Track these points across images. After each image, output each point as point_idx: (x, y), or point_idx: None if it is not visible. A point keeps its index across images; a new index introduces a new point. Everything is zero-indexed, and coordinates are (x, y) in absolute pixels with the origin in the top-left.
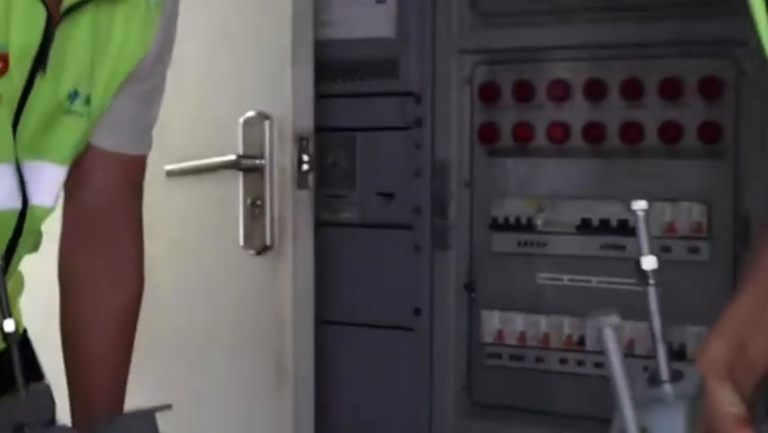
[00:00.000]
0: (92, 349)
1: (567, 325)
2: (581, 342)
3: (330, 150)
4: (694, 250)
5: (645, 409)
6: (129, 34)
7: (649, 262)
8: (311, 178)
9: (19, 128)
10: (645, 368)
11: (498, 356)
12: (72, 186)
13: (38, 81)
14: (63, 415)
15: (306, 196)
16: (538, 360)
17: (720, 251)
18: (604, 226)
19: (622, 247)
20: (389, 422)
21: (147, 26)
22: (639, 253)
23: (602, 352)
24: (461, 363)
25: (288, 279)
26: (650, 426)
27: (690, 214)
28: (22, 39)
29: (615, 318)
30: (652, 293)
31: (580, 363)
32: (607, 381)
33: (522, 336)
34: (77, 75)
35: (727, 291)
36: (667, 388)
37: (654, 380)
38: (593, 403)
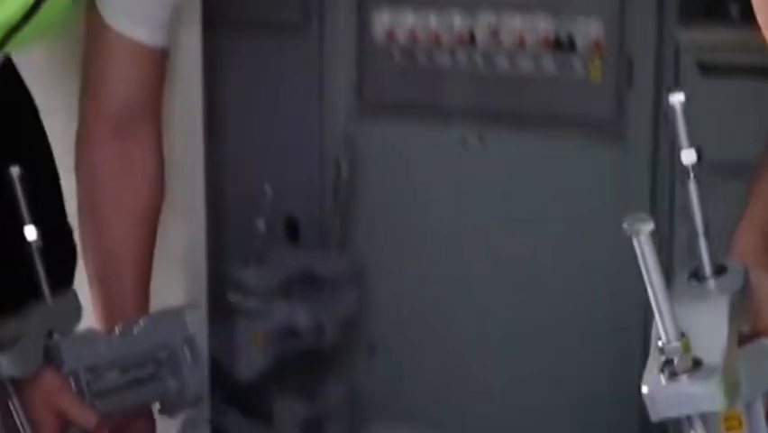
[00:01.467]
0: (112, 246)
1: (458, 20)
2: (472, 37)
3: None
4: None
5: (688, 306)
6: None
7: (688, 156)
8: None
9: None
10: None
11: (390, 55)
12: (91, 78)
13: None
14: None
15: None
16: (429, 57)
17: None
18: None
19: None
20: (281, 129)
21: None
22: (679, 147)
23: (492, 48)
24: (351, 63)
25: None
26: (692, 323)
27: None
28: None
29: (650, 225)
30: (692, 187)
31: (471, 59)
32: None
33: (413, 33)
34: None
35: None
36: (711, 284)
37: (697, 275)
38: (480, 97)
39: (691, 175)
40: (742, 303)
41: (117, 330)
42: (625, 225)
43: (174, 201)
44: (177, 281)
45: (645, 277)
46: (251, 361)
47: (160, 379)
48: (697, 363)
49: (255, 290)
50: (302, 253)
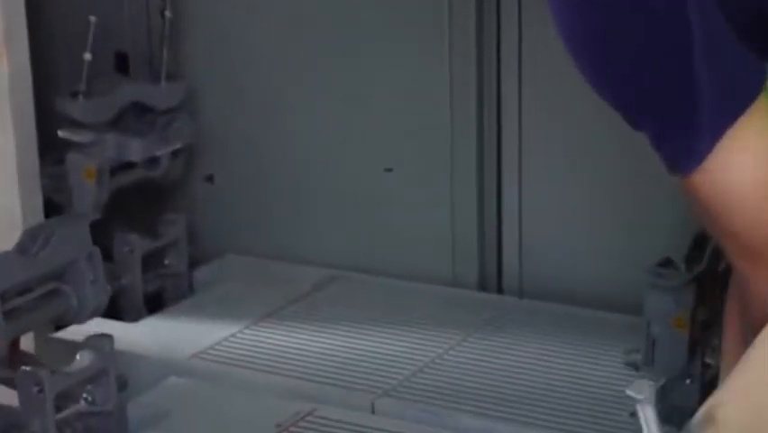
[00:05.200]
0: None
1: None
2: None
3: None
4: None
5: None
6: None
7: None
8: None
9: None
10: None
11: None
12: None
13: None
14: None
15: None
16: None
17: None
18: None
19: None
20: None
21: None
22: None
23: None
24: None
25: None
26: None
27: None
28: None
29: (652, 390)
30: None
31: None
32: None
33: None
34: None
35: None
36: None
37: None
38: None
39: None
40: None
41: (21, 244)
42: (628, 391)
43: None
44: (4, 120)
45: None
46: (86, 196)
47: (64, 295)
48: None
49: (85, 123)
50: (132, 85)
